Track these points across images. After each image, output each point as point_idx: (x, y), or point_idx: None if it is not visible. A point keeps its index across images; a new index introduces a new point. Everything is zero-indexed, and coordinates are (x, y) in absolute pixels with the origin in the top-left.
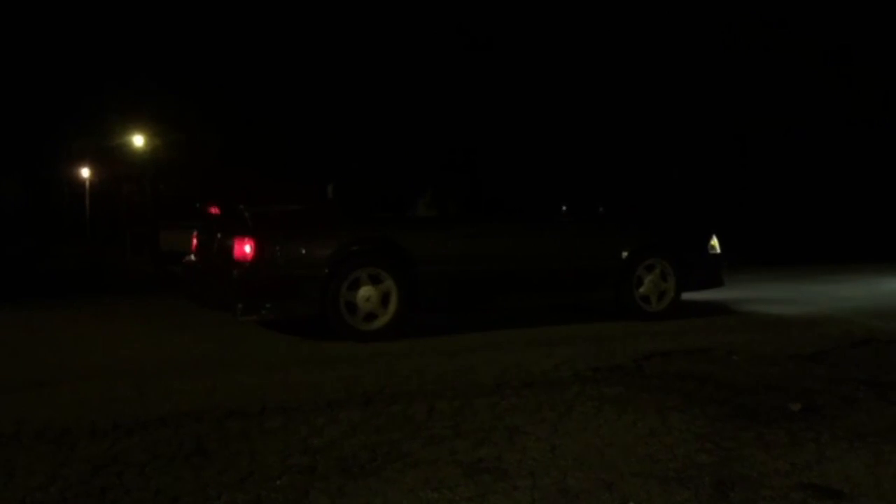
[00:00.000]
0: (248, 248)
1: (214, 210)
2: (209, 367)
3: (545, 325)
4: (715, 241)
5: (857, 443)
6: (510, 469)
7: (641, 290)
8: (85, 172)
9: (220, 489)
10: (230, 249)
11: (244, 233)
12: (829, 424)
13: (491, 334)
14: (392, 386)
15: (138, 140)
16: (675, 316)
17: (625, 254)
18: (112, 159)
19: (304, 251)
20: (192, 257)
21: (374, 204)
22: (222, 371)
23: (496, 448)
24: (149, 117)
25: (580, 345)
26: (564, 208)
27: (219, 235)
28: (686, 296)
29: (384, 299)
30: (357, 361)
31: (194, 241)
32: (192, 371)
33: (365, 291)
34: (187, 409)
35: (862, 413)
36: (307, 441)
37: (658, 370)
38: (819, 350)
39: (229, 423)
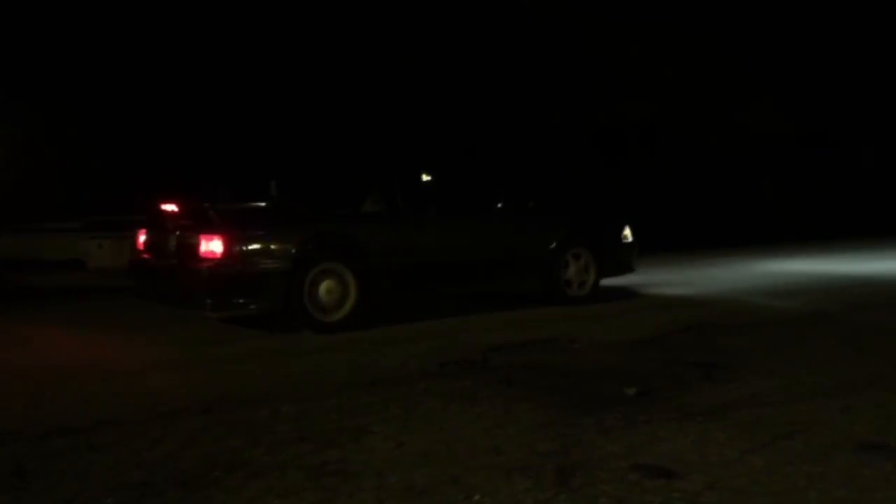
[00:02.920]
0: (216, 246)
1: (170, 208)
2: (32, 380)
3: (402, 323)
4: (628, 231)
5: (685, 422)
6: (356, 470)
7: (566, 277)
8: None
9: None
10: (195, 247)
11: (212, 230)
12: (661, 406)
13: (345, 334)
14: (234, 391)
15: None
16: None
17: (552, 245)
18: None
19: (270, 247)
20: (143, 256)
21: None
22: (48, 384)
23: (342, 450)
24: None
25: (431, 340)
26: (500, 205)
27: (178, 233)
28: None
29: (343, 292)
30: (196, 367)
31: (141, 240)
32: (11, 386)
33: (326, 285)
34: (4, 428)
35: (691, 394)
36: (141, 455)
37: (505, 362)
38: (656, 335)
39: (54, 440)
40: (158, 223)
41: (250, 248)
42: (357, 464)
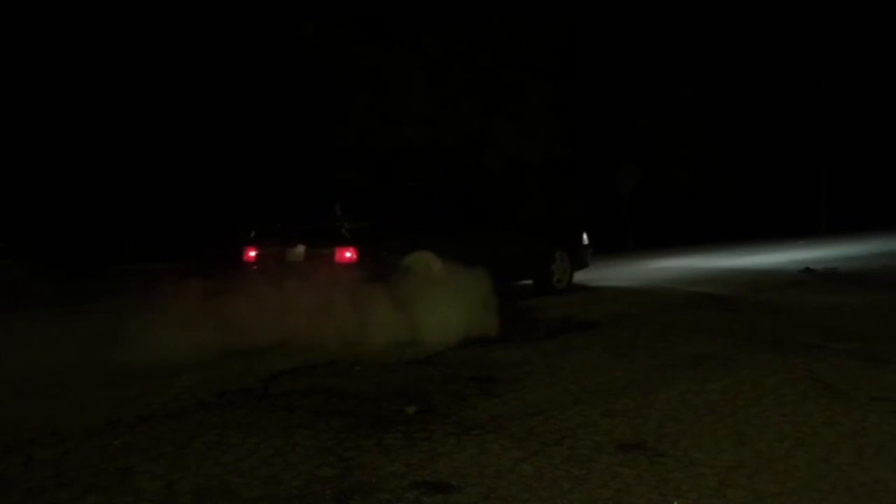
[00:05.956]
0: (349, 255)
1: (292, 228)
2: None
3: (177, 354)
4: (585, 236)
5: (464, 437)
6: None
7: (552, 273)
8: None
9: None
10: (331, 256)
11: (346, 243)
12: (441, 423)
13: (109, 368)
14: None
15: None
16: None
17: (544, 248)
18: None
19: (384, 254)
20: (253, 267)
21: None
22: None
23: (105, 494)
24: None
25: (204, 370)
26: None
27: (300, 247)
28: None
29: None
30: None
31: (251, 255)
32: None
33: None
34: None
35: (469, 408)
36: None
37: (285, 388)
38: (434, 353)
39: None
40: (270, 241)
41: (373, 255)
42: None
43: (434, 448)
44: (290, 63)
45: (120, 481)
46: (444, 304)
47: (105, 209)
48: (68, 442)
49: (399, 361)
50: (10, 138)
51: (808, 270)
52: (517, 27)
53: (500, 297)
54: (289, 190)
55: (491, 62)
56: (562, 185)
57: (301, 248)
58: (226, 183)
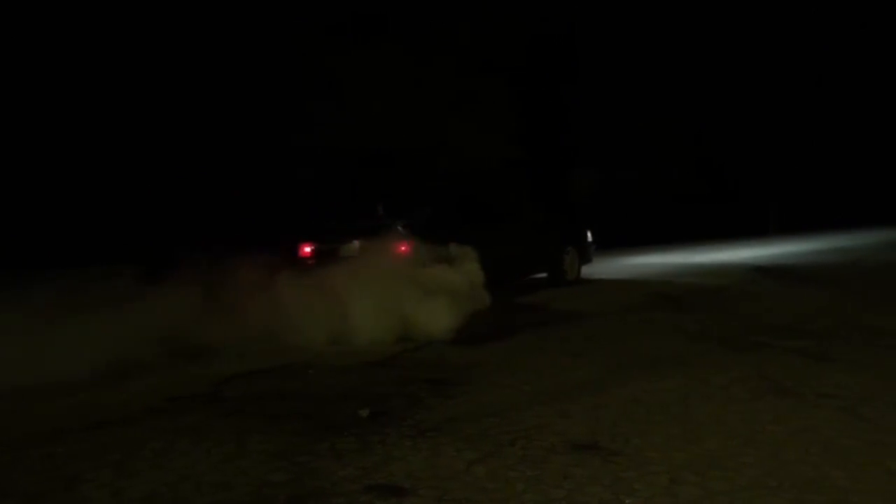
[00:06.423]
0: (404, 249)
1: (343, 226)
2: None
3: (125, 359)
4: (589, 234)
5: (418, 439)
6: None
7: (564, 267)
8: None
9: None
10: (387, 251)
11: (401, 239)
12: (396, 425)
13: (47, 374)
14: None
15: None
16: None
17: (556, 244)
18: None
19: (433, 250)
20: (309, 262)
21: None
22: None
23: (51, 503)
24: None
25: (154, 375)
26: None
27: (356, 242)
28: None
29: None
30: None
31: (307, 250)
32: None
33: None
34: None
35: (424, 410)
36: None
37: (238, 393)
38: (389, 356)
39: None
40: (323, 237)
41: (422, 251)
42: None
43: (388, 451)
44: (252, 63)
45: (66, 490)
46: (446, 299)
47: (84, 209)
48: (12, 450)
49: (354, 363)
50: None
51: (758, 269)
52: (501, 27)
53: (516, 288)
54: (272, 191)
55: (471, 63)
56: (558, 186)
57: (356, 244)
58: (203, 183)
